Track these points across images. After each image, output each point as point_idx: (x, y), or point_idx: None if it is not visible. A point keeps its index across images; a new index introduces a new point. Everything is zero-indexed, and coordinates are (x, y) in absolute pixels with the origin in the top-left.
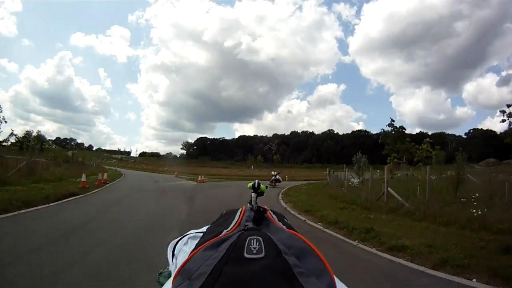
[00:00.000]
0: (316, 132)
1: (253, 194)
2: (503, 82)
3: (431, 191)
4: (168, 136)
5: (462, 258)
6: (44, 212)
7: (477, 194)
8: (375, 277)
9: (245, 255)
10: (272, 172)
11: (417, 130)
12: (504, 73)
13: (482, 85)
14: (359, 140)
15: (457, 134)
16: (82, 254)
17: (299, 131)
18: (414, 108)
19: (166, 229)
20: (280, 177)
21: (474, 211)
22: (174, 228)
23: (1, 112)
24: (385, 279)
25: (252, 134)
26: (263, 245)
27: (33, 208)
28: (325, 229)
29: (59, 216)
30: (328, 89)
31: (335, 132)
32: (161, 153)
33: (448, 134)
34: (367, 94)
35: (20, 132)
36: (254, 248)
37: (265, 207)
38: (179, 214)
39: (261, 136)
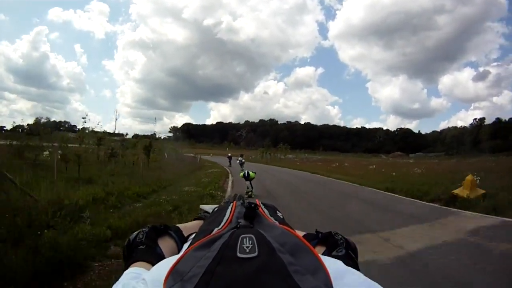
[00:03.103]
0: (280, 122)
1: (247, 182)
2: (479, 77)
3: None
4: (143, 114)
5: None
6: None
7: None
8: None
9: (238, 254)
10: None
11: (392, 117)
12: (481, 69)
13: (459, 79)
14: (308, 132)
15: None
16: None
17: (267, 119)
18: (390, 95)
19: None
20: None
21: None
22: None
23: None
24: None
25: (227, 115)
26: (256, 243)
27: None
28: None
29: None
30: (305, 72)
31: (293, 122)
32: (139, 133)
33: (382, 129)
34: (344, 79)
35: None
36: (247, 247)
37: (257, 201)
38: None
39: (235, 124)
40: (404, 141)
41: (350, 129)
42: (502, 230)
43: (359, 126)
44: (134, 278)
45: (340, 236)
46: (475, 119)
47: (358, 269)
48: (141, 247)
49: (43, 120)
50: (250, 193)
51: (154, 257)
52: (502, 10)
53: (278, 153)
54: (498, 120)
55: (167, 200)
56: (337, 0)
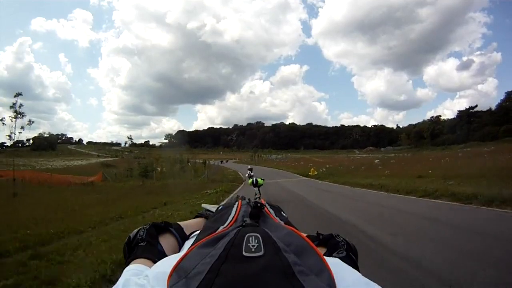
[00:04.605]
0: (266, 123)
1: (255, 188)
2: (463, 66)
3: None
4: (131, 120)
5: None
6: None
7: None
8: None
9: (244, 253)
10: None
11: (379, 110)
12: (465, 58)
13: (443, 69)
14: (291, 132)
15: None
16: None
17: (254, 121)
18: (376, 88)
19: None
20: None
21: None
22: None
23: None
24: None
25: (215, 117)
26: (262, 242)
27: None
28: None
29: None
30: (291, 70)
31: (278, 123)
32: (131, 141)
33: (360, 126)
34: (330, 75)
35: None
36: (253, 246)
37: (262, 201)
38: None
39: (225, 128)
40: (376, 136)
41: (329, 128)
42: (311, 182)
43: (339, 125)
44: (136, 275)
45: (341, 238)
46: (432, 116)
47: (358, 271)
48: (141, 244)
49: (45, 135)
50: (258, 199)
51: (155, 254)
52: (483, 0)
53: (264, 154)
54: (459, 113)
55: (229, 178)
56: None
